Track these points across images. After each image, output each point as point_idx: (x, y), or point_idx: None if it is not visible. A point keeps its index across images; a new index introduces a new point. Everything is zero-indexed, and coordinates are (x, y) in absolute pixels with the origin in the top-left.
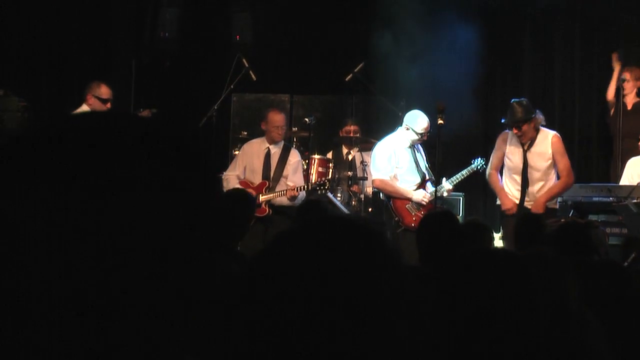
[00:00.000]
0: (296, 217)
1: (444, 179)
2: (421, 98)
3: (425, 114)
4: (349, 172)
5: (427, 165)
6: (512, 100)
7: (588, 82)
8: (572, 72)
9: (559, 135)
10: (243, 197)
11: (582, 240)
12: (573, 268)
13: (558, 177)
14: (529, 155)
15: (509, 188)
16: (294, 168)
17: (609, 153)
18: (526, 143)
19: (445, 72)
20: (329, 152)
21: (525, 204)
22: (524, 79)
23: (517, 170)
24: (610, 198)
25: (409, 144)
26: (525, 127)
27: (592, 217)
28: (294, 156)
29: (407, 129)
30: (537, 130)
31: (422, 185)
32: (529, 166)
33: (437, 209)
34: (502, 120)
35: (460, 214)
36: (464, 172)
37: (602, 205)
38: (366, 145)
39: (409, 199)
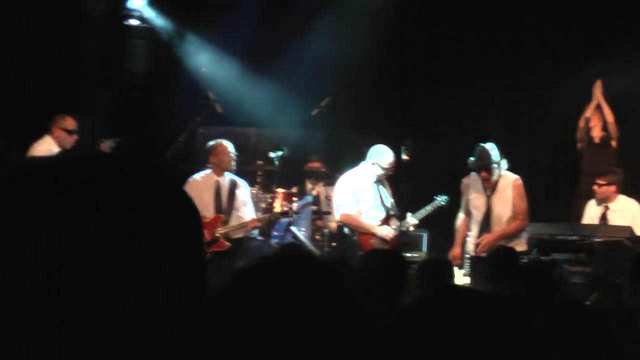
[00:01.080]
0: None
1: (409, 214)
2: (388, 134)
3: (392, 149)
4: (314, 207)
5: (392, 201)
6: (480, 143)
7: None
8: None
9: (520, 179)
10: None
11: (546, 278)
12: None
13: None
14: (493, 201)
15: (473, 233)
16: (243, 200)
17: (573, 191)
18: (489, 188)
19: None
20: (293, 186)
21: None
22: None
23: (479, 215)
24: (574, 237)
25: (374, 179)
26: (493, 171)
27: (556, 256)
28: (242, 187)
29: (373, 164)
30: (499, 176)
31: (386, 221)
32: (493, 212)
33: (397, 244)
34: (469, 162)
35: (424, 250)
36: (428, 208)
37: (566, 243)
38: (331, 180)
39: (374, 234)
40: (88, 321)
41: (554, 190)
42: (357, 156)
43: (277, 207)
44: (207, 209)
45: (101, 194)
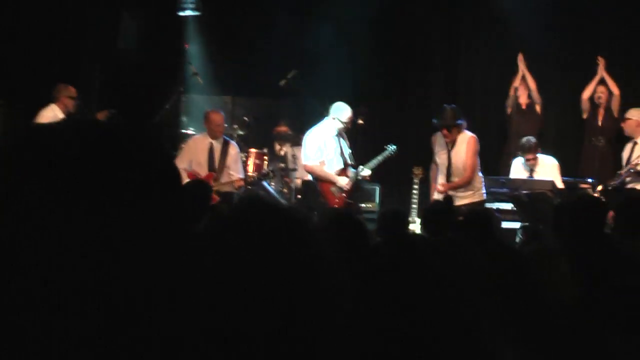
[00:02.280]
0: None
1: (362, 166)
2: (346, 100)
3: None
4: (282, 164)
5: (350, 152)
6: (444, 105)
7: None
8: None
9: (476, 137)
10: (203, 187)
11: (482, 225)
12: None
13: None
14: (452, 154)
15: (437, 181)
16: (234, 159)
17: (502, 149)
18: (450, 144)
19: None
20: (264, 147)
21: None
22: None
23: (443, 167)
24: (505, 189)
25: (335, 133)
26: (453, 130)
27: (490, 206)
28: (233, 148)
29: (334, 119)
30: (459, 133)
31: (344, 171)
32: (452, 164)
33: (351, 193)
34: (434, 121)
35: (377, 202)
36: (380, 158)
37: (498, 195)
38: (296, 141)
39: (334, 183)
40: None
41: (485, 150)
42: (318, 119)
43: (251, 164)
44: (201, 167)
45: (95, 155)
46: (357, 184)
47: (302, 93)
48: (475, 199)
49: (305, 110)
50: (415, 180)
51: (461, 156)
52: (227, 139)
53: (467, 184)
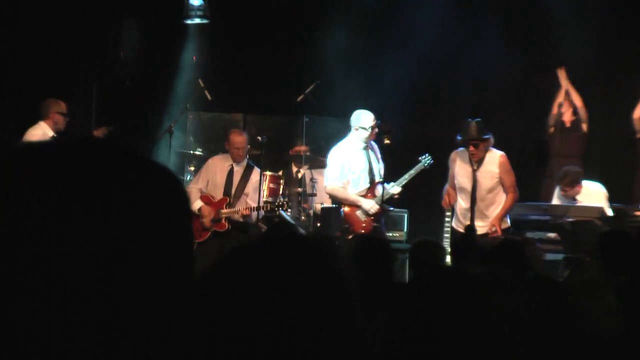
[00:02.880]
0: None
1: (391, 183)
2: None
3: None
4: (299, 189)
5: (381, 166)
6: (469, 119)
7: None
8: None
9: (505, 155)
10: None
11: (520, 256)
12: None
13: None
14: (479, 175)
15: (460, 207)
16: (255, 187)
17: (543, 172)
18: (475, 163)
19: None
20: (280, 169)
21: (476, 223)
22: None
23: (466, 190)
24: (547, 217)
25: (362, 146)
26: (481, 146)
27: (529, 235)
28: (256, 175)
29: (357, 129)
30: (486, 151)
31: (371, 189)
32: (478, 186)
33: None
34: (458, 137)
35: (405, 230)
36: (412, 172)
37: (539, 223)
38: (315, 163)
39: (359, 207)
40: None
41: (524, 173)
42: (340, 138)
43: (265, 189)
44: (217, 190)
45: (87, 174)
46: (386, 204)
47: (322, 110)
48: (504, 225)
49: (326, 128)
50: (448, 208)
51: (490, 177)
52: (252, 164)
53: (512, 207)
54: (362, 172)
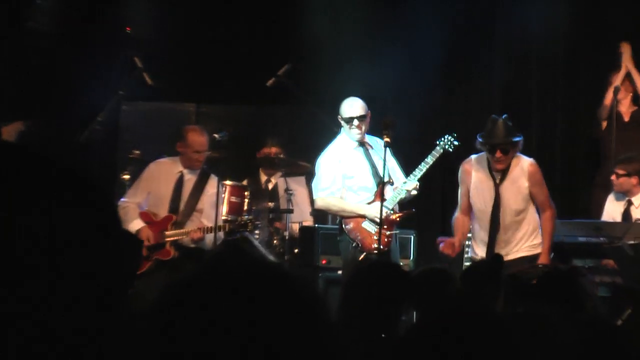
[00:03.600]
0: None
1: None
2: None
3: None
4: (270, 203)
5: (392, 166)
6: (494, 116)
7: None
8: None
9: (535, 162)
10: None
11: (566, 292)
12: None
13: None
14: (502, 189)
15: (477, 234)
16: (211, 202)
17: (591, 180)
18: (498, 174)
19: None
20: (244, 178)
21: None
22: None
23: (485, 211)
24: (601, 238)
25: (355, 142)
26: (510, 152)
27: (577, 263)
28: (212, 186)
29: (342, 122)
30: (513, 158)
31: (380, 193)
32: (502, 205)
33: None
34: (479, 139)
35: (412, 257)
36: (428, 160)
37: (590, 247)
38: (292, 169)
39: (363, 216)
40: None
41: (571, 181)
42: (328, 138)
43: (225, 204)
44: (161, 205)
45: None
46: (405, 203)
47: (301, 98)
48: (537, 249)
49: (307, 123)
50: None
51: (518, 192)
52: (208, 170)
53: (553, 229)
54: (362, 175)
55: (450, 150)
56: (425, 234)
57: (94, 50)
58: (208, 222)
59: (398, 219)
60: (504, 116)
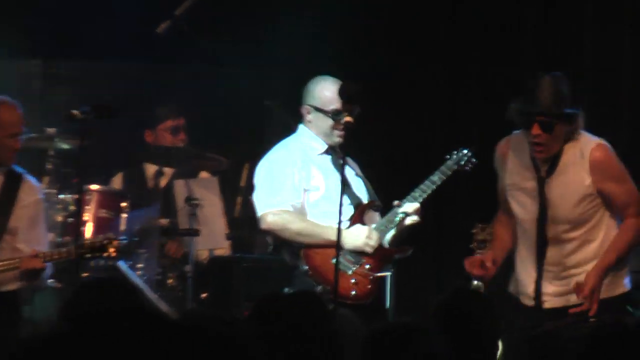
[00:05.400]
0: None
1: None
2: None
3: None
4: (163, 220)
5: (364, 183)
6: (538, 72)
7: None
8: None
9: (607, 145)
10: None
11: None
12: None
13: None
14: (550, 187)
15: (521, 257)
16: (31, 216)
17: None
18: (546, 163)
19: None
20: (116, 175)
21: (550, 288)
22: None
23: (527, 219)
24: None
25: (323, 147)
26: (557, 129)
27: None
28: (30, 193)
29: (309, 112)
30: (567, 140)
31: (359, 216)
32: (549, 208)
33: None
34: (512, 108)
35: (387, 304)
36: (436, 178)
37: None
38: (199, 163)
39: (334, 247)
40: None
41: None
42: (259, 117)
43: (89, 221)
44: None
45: None
46: (400, 235)
47: (217, 51)
48: (619, 290)
49: (220, 89)
50: (479, 253)
51: (576, 191)
52: (20, 171)
53: (634, 246)
54: (331, 186)
55: (468, 169)
56: (409, 272)
57: None
58: (26, 248)
59: (396, 255)
60: (555, 74)
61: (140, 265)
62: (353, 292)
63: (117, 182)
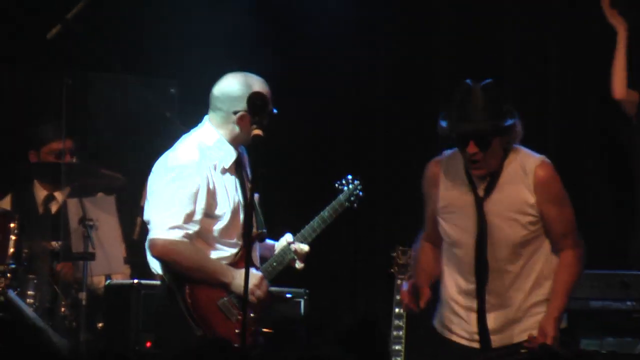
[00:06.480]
0: None
1: (288, 235)
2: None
3: None
4: (54, 243)
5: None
6: (467, 81)
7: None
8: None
9: (549, 163)
10: None
11: None
12: None
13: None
14: (487, 207)
15: (448, 288)
16: None
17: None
18: (483, 181)
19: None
20: (5, 197)
21: (493, 339)
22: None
23: (463, 246)
24: (628, 303)
25: (232, 156)
26: (495, 144)
27: (589, 345)
28: None
29: (216, 116)
30: (505, 158)
31: (245, 251)
32: (488, 235)
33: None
34: (442, 125)
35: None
36: (325, 214)
37: (614, 316)
38: (93, 182)
39: (225, 286)
40: None
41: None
42: (160, 133)
43: None
44: None
45: None
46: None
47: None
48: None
49: (123, 101)
50: (399, 278)
51: (517, 214)
52: None
53: (579, 278)
54: (230, 212)
55: (355, 201)
56: (323, 292)
57: None
58: None
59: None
60: (484, 82)
61: (30, 293)
62: (235, 345)
63: (5, 203)
